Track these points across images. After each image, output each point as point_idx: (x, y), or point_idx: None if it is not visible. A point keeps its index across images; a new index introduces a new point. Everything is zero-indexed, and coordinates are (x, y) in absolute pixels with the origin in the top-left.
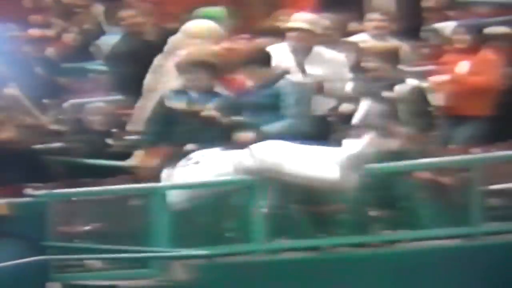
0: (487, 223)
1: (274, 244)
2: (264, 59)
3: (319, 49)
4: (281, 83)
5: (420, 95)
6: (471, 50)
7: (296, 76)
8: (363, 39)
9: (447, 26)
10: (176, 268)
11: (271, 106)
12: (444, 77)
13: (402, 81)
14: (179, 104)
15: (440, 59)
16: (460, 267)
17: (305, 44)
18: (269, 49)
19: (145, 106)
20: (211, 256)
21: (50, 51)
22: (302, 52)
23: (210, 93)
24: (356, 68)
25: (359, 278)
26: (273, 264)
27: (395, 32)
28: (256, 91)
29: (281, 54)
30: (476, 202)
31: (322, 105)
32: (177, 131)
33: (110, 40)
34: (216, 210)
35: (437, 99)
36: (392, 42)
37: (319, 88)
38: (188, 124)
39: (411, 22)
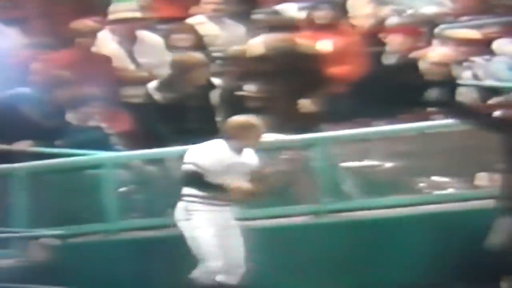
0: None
1: (127, 222)
2: None
3: (140, 35)
4: None
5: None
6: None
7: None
8: (200, 21)
9: (289, 7)
10: (34, 248)
11: None
12: None
13: None
14: None
15: None
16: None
17: (131, 32)
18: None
19: None
20: (66, 236)
21: None
22: (129, 41)
23: None
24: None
25: None
26: (127, 242)
27: (231, 14)
28: None
29: (107, 43)
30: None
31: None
32: None
33: None
34: (72, 189)
35: None
36: (228, 25)
37: (151, 75)
38: None
39: (247, 4)
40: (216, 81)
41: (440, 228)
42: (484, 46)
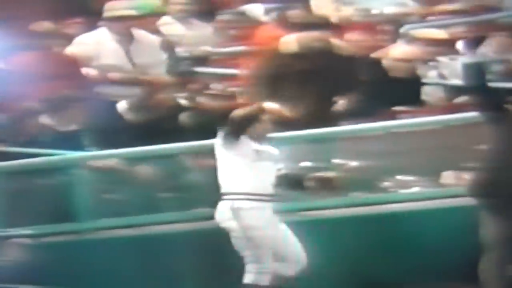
0: None
1: (101, 222)
2: None
3: (137, 34)
4: None
5: None
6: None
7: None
8: (167, 21)
9: (255, 8)
10: (8, 248)
11: None
12: None
13: None
14: None
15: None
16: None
17: (129, 30)
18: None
19: None
20: (40, 236)
21: None
22: (128, 40)
23: None
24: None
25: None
26: (101, 242)
27: (197, 14)
28: None
29: (106, 45)
30: None
31: None
32: None
33: None
34: (46, 189)
35: None
36: (197, 25)
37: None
38: None
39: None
40: (183, 102)
41: (406, 227)
42: (449, 46)
